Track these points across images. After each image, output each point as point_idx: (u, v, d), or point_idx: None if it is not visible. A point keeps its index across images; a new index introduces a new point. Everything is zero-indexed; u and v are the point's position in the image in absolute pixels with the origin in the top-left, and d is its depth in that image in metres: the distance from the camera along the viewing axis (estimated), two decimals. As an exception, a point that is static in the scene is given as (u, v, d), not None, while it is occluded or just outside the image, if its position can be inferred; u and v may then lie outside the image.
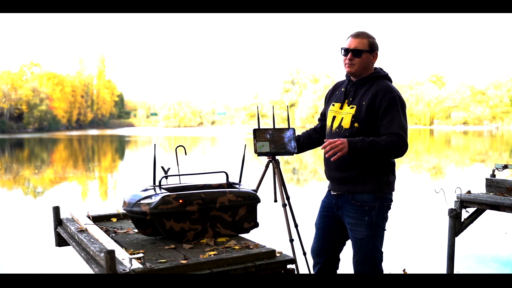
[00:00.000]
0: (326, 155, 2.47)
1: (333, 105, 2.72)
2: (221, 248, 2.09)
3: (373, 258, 2.59)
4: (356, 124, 2.55)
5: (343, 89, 2.71)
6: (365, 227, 2.56)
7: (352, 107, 2.59)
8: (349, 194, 2.60)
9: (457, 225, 3.55)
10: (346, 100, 2.65)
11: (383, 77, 2.64)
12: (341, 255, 2.83)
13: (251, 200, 2.33)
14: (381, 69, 2.71)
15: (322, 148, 2.48)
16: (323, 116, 2.91)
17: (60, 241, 2.56)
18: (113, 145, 31.86)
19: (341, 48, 2.64)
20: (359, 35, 2.60)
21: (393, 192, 2.67)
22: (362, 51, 2.58)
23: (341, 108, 2.66)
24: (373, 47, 2.61)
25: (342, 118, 2.62)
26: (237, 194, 2.30)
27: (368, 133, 2.55)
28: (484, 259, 4.83)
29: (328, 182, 2.80)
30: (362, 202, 2.56)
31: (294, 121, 76.68)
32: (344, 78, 2.79)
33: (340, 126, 2.62)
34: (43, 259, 4.99)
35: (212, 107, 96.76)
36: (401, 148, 2.46)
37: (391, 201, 2.66)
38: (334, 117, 2.68)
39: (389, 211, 2.65)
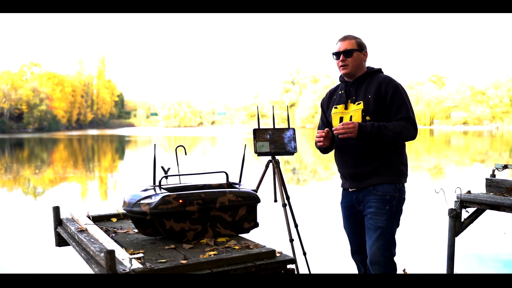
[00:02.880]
0: (335, 132, 2.54)
1: (336, 107, 2.75)
2: (221, 248, 2.09)
3: (390, 248, 2.63)
4: (367, 118, 2.61)
5: (340, 92, 2.76)
6: (386, 216, 2.60)
7: (359, 103, 2.64)
8: (370, 186, 2.63)
9: (457, 225, 3.55)
10: (349, 100, 2.70)
11: (378, 71, 2.74)
12: (341, 254, 2.83)
13: (251, 200, 2.33)
14: (372, 67, 2.78)
15: (335, 130, 2.53)
16: (325, 123, 2.86)
17: (60, 241, 2.56)
18: (113, 145, 31.87)
19: (332, 54, 2.72)
20: (346, 38, 2.71)
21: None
22: (353, 50, 2.67)
23: (346, 108, 2.70)
24: (361, 46, 2.71)
25: (351, 116, 2.65)
26: (237, 194, 2.30)
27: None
28: (484, 259, 4.83)
29: (334, 183, 2.80)
30: (384, 192, 2.60)
31: (294, 121, 76.70)
32: (336, 84, 2.86)
33: None
34: (43, 259, 4.99)
35: (212, 107, 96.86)
36: (410, 131, 2.56)
37: (405, 194, 2.69)
38: (341, 118, 2.71)
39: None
